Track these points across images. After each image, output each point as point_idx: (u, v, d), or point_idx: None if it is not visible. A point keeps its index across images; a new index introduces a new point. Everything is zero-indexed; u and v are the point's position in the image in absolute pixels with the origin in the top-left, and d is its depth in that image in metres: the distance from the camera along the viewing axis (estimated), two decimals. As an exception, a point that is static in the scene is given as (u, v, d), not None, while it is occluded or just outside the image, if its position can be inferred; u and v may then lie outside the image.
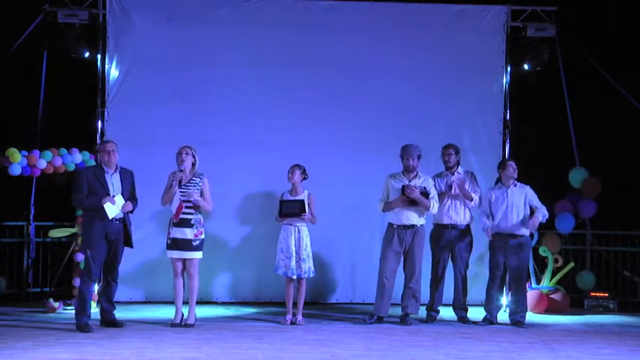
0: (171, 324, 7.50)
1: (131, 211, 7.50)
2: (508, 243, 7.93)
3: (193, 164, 7.59)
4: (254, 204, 8.99)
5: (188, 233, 7.48)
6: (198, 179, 7.59)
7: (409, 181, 7.92)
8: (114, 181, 7.40)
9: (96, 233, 7.27)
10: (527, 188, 8.02)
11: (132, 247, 7.56)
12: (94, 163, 8.62)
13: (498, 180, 8.19)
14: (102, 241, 7.30)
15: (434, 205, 7.89)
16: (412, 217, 7.89)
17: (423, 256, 8.18)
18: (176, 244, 7.48)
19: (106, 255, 7.37)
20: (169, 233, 7.52)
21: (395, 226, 7.92)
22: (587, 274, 9.42)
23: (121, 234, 7.43)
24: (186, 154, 7.55)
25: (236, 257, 9.05)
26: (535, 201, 7.98)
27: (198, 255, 7.56)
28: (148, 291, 8.97)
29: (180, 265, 7.55)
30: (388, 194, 7.99)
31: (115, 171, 7.45)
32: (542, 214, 7.90)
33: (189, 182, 7.56)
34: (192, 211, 7.50)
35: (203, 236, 7.57)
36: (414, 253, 7.89)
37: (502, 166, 8.13)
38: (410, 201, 7.78)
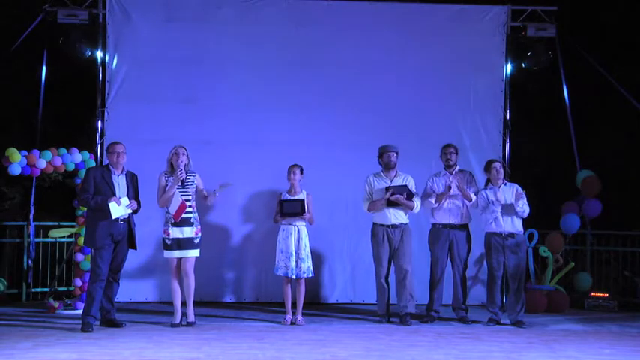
0: (172, 324, 7.49)
1: (135, 211, 7.51)
2: (505, 242, 7.93)
3: (186, 165, 7.60)
4: (254, 204, 8.99)
5: (189, 232, 7.52)
6: (193, 177, 7.63)
7: (390, 180, 7.97)
8: (120, 183, 7.42)
9: (102, 233, 7.29)
10: (518, 187, 8.00)
11: (136, 248, 7.58)
12: (94, 163, 8.63)
13: (488, 181, 8.15)
14: (108, 241, 7.33)
15: (417, 205, 7.94)
16: (399, 217, 7.93)
17: (422, 255, 8.22)
18: (178, 243, 7.50)
19: (111, 255, 7.39)
20: (168, 234, 7.53)
21: (382, 226, 7.96)
22: (584, 276, 9.42)
23: (126, 235, 7.45)
24: (183, 154, 7.55)
25: (236, 257, 9.05)
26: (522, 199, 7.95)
27: (196, 253, 7.60)
28: (148, 290, 8.97)
29: (179, 264, 7.58)
30: (371, 193, 8.03)
31: (122, 173, 7.47)
32: (523, 210, 7.88)
33: (186, 182, 7.57)
34: (191, 209, 7.53)
35: (201, 234, 7.63)
36: (404, 252, 7.92)
37: (486, 168, 8.12)
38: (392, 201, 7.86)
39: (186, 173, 7.55)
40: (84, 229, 7.78)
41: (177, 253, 7.52)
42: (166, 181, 7.55)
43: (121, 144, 7.50)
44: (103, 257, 7.30)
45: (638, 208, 9.41)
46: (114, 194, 7.32)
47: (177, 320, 7.53)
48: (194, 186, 7.61)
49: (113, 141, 7.70)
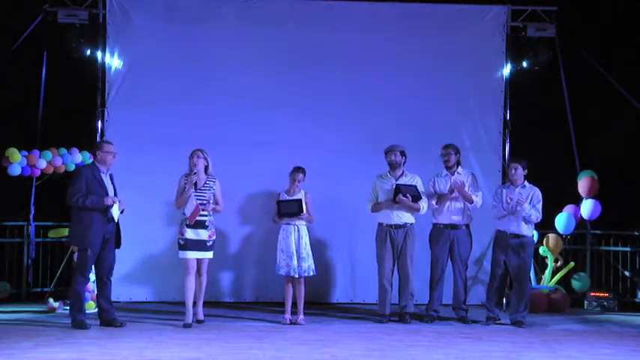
0: (184, 324, 7.49)
1: (122, 211, 7.52)
2: (509, 242, 7.92)
3: (206, 167, 7.68)
4: (255, 204, 8.98)
5: (203, 234, 7.58)
6: (212, 182, 7.69)
7: (396, 180, 7.97)
8: (107, 181, 7.43)
9: (96, 233, 7.29)
10: (536, 190, 7.98)
11: (119, 247, 7.55)
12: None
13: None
14: (99, 240, 7.33)
15: (423, 207, 7.96)
16: (403, 216, 7.95)
17: (422, 255, 8.22)
18: (191, 244, 7.55)
19: (98, 254, 7.39)
20: (182, 234, 7.56)
21: (386, 225, 7.97)
22: (583, 277, 9.41)
23: (114, 234, 7.46)
24: (198, 157, 7.62)
25: (236, 257, 9.05)
26: (534, 204, 7.93)
27: (210, 255, 7.70)
28: (148, 290, 8.97)
29: (194, 264, 7.59)
30: (377, 195, 8.04)
31: (108, 171, 7.47)
32: (529, 214, 7.86)
33: (204, 185, 7.64)
34: (206, 212, 7.59)
35: (215, 237, 7.69)
36: (406, 253, 7.94)
37: (507, 168, 8.15)
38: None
39: (207, 177, 7.63)
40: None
41: (189, 254, 7.56)
42: (185, 183, 7.58)
43: (113, 144, 7.51)
44: (93, 257, 7.31)
45: (638, 208, 9.40)
46: (106, 193, 7.32)
47: (190, 320, 7.54)
48: (212, 191, 7.66)
49: (105, 140, 7.69)
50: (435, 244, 8.17)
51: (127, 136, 8.76)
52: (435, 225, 8.20)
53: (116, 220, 7.36)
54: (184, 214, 7.56)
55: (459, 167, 8.25)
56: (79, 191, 7.29)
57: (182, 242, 7.58)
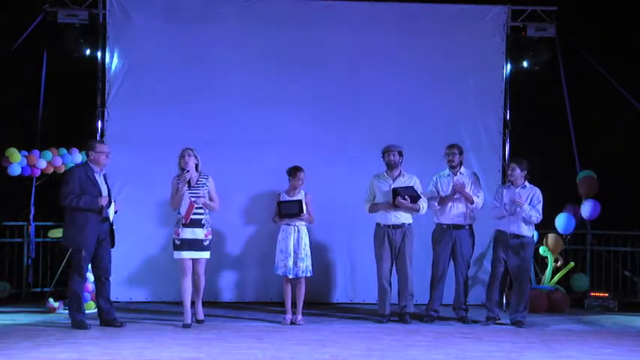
0: (183, 325, 7.49)
1: (116, 212, 7.51)
2: (509, 242, 7.92)
3: (197, 165, 7.64)
4: (254, 204, 8.97)
5: (199, 233, 7.53)
6: (205, 180, 7.65)
7: (393, 180, 7.98)
8: (101, 181, 7.42)
9: (90, 234, 7.28)
10: (536, 190, 7.98)
11: (113, 246, 7.54)
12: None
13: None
14: (94, 241, 7.32)
15: (423, 207, 7.96)
16: (401, 217, 7.96)
17: (422, 255, 8.24)
18: (187, 244, 7.50)
19: (93, 255, 7.38)
20: (178, 234, 7.52)
21: (384, 225, 7.98)
22: (582, 277, 9.42)
23: (108, 234, 7.46)
24: (189, 155, 7.59)
25: (237, 257, 9.05)
26: (534, 204, 7.92)
27: (207, 255, 7.65)
28: (148, 290, 8.96)
29: (190, 265, 7.55)
30: (373, 195, 8.05)
31: (102, 171, 7.46)
32: (529, 215, 7.85)
33: (196, 183, 7.61)
34: (202, 211, 7.55)
35: (211, 236, 7.65)
36: (404, 253, 7.95)
37: (506, 167, 8.16)
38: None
39: (199, 175, 7.60)
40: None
41: (185, 254, 7.52)
42: (177, 183, 7.56)
43: (106, 144, 7.50)
44: (88, 257, 7.31)
45: (638, 208, 9.41)
46: (100, 193, 7.31)
47: (189, 320, 7.53)
48: (205, 188, 7.63)
49: (98, 140, 7.68)
50: (438, 244, 8.16)
51: (127, 136, 8.77)
52: (438, 225, 8.20)
53: (111, 221, 7.35)
54: (180, 213, 7.54)
55: (462, 167, 8.26)
56: (72, 192, 7.26)
57: (178, 242, 7.54)
